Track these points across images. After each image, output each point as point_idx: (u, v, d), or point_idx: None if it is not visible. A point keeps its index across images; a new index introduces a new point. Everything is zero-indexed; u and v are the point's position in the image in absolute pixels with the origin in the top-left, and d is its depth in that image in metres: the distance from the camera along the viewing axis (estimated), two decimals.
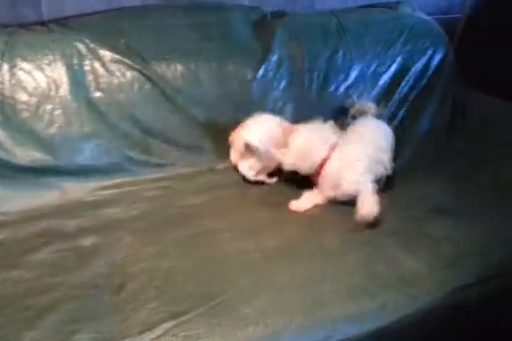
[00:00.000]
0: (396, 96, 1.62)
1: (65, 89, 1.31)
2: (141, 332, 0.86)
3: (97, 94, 1.35)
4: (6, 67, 1.26)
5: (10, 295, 0.95)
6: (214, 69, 1.45)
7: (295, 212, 1.26)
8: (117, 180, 1.36)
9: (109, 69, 1.37)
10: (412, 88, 1.63)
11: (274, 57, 1.50)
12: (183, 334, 0.87)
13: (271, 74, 1.50)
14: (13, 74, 1.26)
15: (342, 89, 1.56)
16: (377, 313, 0.96)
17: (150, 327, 0.87)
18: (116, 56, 1.37)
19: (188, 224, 1.18)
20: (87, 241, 1.13)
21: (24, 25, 1.38)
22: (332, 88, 1.55)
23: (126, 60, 1.38)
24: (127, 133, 1.39)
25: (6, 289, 0.97)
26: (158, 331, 0.87)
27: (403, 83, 1.63)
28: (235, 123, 1.40)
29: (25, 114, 1.27)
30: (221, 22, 1.53)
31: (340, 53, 1.56)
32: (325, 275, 1.01)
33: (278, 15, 1.60)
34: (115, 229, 1.17)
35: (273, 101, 1.51)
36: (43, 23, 1.41)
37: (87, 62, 1.35)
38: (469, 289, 1.06)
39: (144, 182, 1.35)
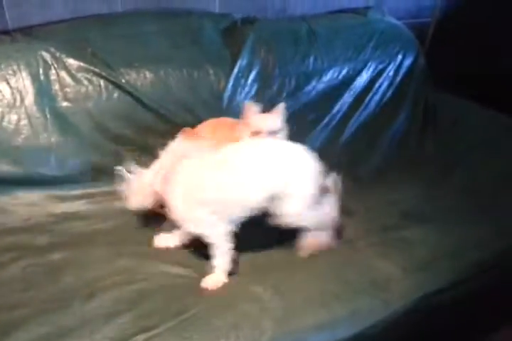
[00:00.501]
0: (368, 101, 1.66)
1: (30, 100, 1.31)
2: None
3: (64, 103, 1.35)
4: None
5: None
6: (184, 76, 1.47)
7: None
8: (88, 191, 1.35)
9: (75, 78, 1.37)
10: (384, 92, 1.68)
11: (244, 64, 1.53)
12: None
13: (241, 80, 1.52)
14: None
15: (313, 94, 1.59)
16: (350, 320, 0.98)
17: None
18: (83, 65, 1.38)
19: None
20: (57, 256, 1.12)
21: None
22: (303, 93, 1.58)
23: (93, 69, 1.38)
24: (97, 142, 1.39)
25: None
26: None
27: (375, 88, 1.67)
28: None
29: None
30: (190, 29, 1.55)
31: (311, 58, 1.60)
32: (295, 285, 1.03)
33: (248, 21, 1.63)
34: (86, 243, 1.17)
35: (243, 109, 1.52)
36: (7, 33, 1.41)
37: (52, 71, 1.35)
38: (443, 292, 1.09)
39: (115, 194, 1.35)
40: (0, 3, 1.40)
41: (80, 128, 1.36)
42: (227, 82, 1.50)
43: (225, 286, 1.03)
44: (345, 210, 1.29)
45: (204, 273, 1.06)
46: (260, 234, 1.13)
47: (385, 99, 1.68)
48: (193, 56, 1.50)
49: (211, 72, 1.50)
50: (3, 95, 1.28)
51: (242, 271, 1.08)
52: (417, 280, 1.08)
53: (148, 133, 1.43)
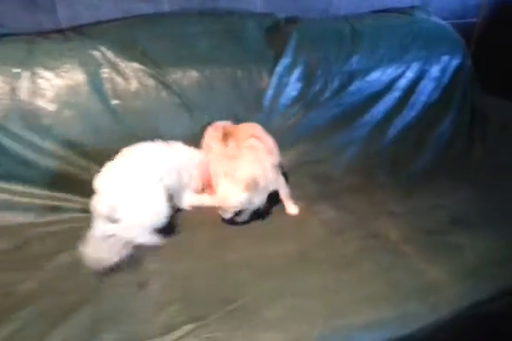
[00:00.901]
0: (413, 102, 1.65)
1: (83, 97, 1.38)
2: (162, 334, 0.91)
3: (115, 101, 1.41)
4: (26, 74, 1.33)
5: (39, 293, 1.02)
6: (227, 75, 1.52)
7: None
8: None
9: (125, 77, 1.43)
10: (429, 94, 1.68)
11: (287, 63, 1.56)
12: (204, 336, 0.91)
13: (284, 79, 1.56)
14: (33, 82, 1.33)
15: (357, 93, 1.61)
16: (398, 322, 0.99)
17: (171, 329, 0.92)
18: (133, 64, 1.44)
19: (201, 229, 1.24)
20: None
21: (42, 33, 1.45)
22: (347, 93, 1.60)
23: (143, 68, 1.45)
24: (143, 139, 1.44)
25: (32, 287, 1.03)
26: (179, 332, 0.92)
27: (420, 89, 1.67)
28: None
29: (47, 121, 1.33)
30: (234, 29, 1.60)
31: (355, 58, 1.61)
32: (343, 284, 1.04)
33: (291, 21, 1.66)
34: None
35: (285, 107, 1.57)
36: (60, 31, 1.49)
37: (104, 70, 1.41)
38: (492, 301, 1.07)
39: None
40: (52, 3, 1.49)
41: (128, 126, 1.42)
42: (269, 81, 1.53)
43: (270, 279, 1.05)
44: (389, 212, 1.31)
45: None
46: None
47: (430, 100, 1.67)
48: (237, 55, 1.55)
49: (254, 71, 1.54)
50: (58, 92, 1.35)
51: (290, 265, 1.10)
52: (465, 287, 1.07)
53: (194, 129, 1.47)
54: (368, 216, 1.30)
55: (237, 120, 1.47)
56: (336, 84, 1.58)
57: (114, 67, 1.42)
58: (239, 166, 1.23)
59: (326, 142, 1.57)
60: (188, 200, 1.35)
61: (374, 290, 1.03)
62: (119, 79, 1.42)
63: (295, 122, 1.55)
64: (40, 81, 1.34)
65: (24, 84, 1.32)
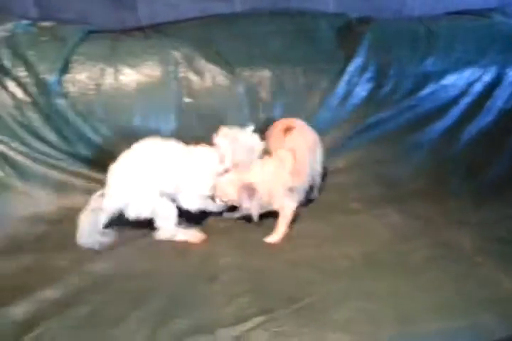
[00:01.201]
0: (489, 107, 1.60)
1: (161, 93, 1.45)
2: (234, 324, 0.95)
3: (188, 99, 1.48)
4: (110, 70, 1.42)
5: (116, 275, 1.10)
6: (299, 74, 1.54)
7: None
8: None
9: (200, 76, 1.49)
10: (507, 99, 1.62)
11: (359, 63, 1.56)
12: (273, 330, 0.94)
13: (355, 79, 1.56)
14: (116, 78, 1.42)
15: (431, 96, 1.58)
16: (470, 332, 0.98)
17: (242, 320, 0.96)
18: (207, 63, 1.50)
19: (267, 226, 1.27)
20: None
21: (124, 31, 1.55)
22: (420, 95, 1.58)
23: (217, 66, 1.50)
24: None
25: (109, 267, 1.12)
26: (250, 324, 0.95)
27: (496, 93, 1.61)
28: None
29: (125, 115, 1.42)
30: (306, 29, 1.62)
31: (430, 60, 1.58)
32: (412, 290, 1.04)
33: (364, 21, 1.66)
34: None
35: (354, 107, 1.57)
36: (140, 29, 1.57)
37: (181, 68, 1.48)
38: None
39: None
40: (134, 2, 1.58)
41: (200, 123, 1.48)
42: (340, 80, 1.54)
43: (336, 280, 1.07)
44: (459, 221, 1.28)
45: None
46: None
47: (507, 106, 1.61)
48: (308, 55, 1.57)
49: (325, 70, 1.56)
50: (138, 88, 1.43)
51: (356, 267, 1.11)
52: None
53: (263, 127, 1.50)
54: (437, 223, 1.29)
55: (306, 119, 1.49)
56: (408, 86, 1.56)
57: (190, 65, 1.48)
58: (252, 170, 1.25)
59: (393, 144, 1.57)
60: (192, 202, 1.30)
61: (445, 299, 1.01)
62: (193, 78, 1.48)
63: (363, 122, 1.56)
64: (122, 77, 1.43)
65: (108, 80, 1.41)
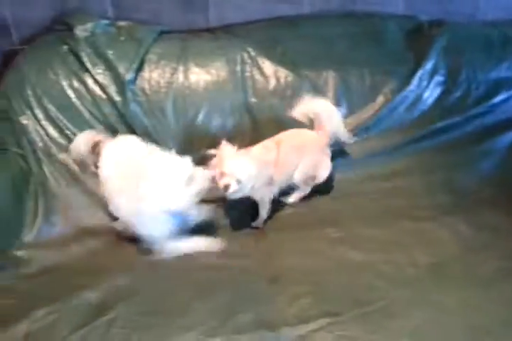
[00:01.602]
0: None
1: (227, 93, 1.49)
2: (298, 324, 0.96)
3: (253, 99, 1.51)
4: (181, 69, 1.48)
5: (182, 268, 1.14)
6: (365, 76, 1.54)
7: None
8: None
9: (265, 76, 1.52)
10: None
11: (429, 67, 1.54)
12: (337, 333, 0.94)
13: (424, 83, 1.53)
14: (186, 77, 1.47)
15: (502, 104, 1.53)
16: None
17: (306, 320, 0.96)
18: (273, 63, 1.53)
19: (330, 228, 1.27)
20: None
21: (193, 31, 1.60)
22: (491, 102, 1.53)
23: (281, 68, 1.52)
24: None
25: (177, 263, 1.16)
26: (314, 325, 0.95)
27: None
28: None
29: (191, 112, 1.47)
30: (373, 31, 1.61)
31: (504, 66, 1.54)
32: (484, 303, 1.00)
33: (436, 24, 1.62)
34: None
35: (422, 112, 1.54)
36: (208, 30, 1.62)
37: (247, 68, 1.52)
38: None
39: None
40: (206, 3, 1.63)
41: (262, 123, 1.50)
42: (408, 84, 1.52)
43: (403, 287, 1.05)
44: None
45: None
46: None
47: None
48: (375, 57, 1.57)
49: (393, 73, 1.54)
50: (206, 87, 1.48)
51: (423, 275, 1.09)
52: None
53: None
54: (506, 234, 1.23)
55: (370, 120, 1.49)
56: (480, 92, 1.52)
57: (256, 66, 1.52)
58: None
59: (460, 151, 1.52)
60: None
61: None
62: (259, 78, 1.51)
63: (430, 127, 1.53)
64: (191, 76, 1.48)
65: (179, 79, 1.47)
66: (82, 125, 1.42)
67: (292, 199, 1.39)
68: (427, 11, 1.69)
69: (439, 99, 1.53)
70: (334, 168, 1.41)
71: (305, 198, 1.40)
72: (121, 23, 1.51)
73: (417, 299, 1.02)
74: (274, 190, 1.31)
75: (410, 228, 1.27)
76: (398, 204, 1.37)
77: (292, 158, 1.32)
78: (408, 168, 1.49)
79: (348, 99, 1.52)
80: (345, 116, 1.49)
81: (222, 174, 1.16)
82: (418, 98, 1.53)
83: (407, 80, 1.53)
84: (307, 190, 1.39)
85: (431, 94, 1.53)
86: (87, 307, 1.01)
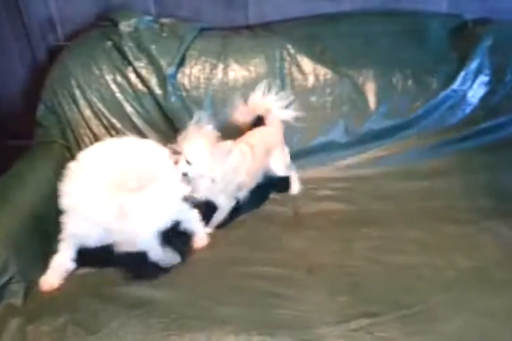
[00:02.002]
0: None
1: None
2: (336, 323, 0.95)
3: (292, 96, 1.47)
4: (221, 66, 1.49)
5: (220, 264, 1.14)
6: (407, 75, 1.51)
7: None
8: None
9: (303, 73, 1.51)
10: None
11: (474, 67, 1.50)
12: (377, 334, 0.92)
13: (468, 83, 1.50)
14: (225, 73, 1.49)
15: None
16: None
17: (345, 320, 0.95)
18: (312, 61, 1.52)
19: (369, 228, 1.25)
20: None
21: (233, 28, 1.61)
22: None
23: (321, 65, 1.52)
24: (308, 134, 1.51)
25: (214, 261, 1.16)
26: (353, 325, 0.94)
27: None
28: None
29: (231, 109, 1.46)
30: (416, 29, 1.58)
31: None
32: None
33: (481, 23, 1.58)
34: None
35: (464, 112, 1.51)
36: (247, 27, 1.63)
37: (286, 65, 1.51)
38: None
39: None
40: (245, 1, 1.63)
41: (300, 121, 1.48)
42: (451, 83, 1.49)
43: (445, 291, 1.03)
44: None
45: None
46: None
47: None
48: (418, 56, 1.53)
49: (435, 72, 1.51)
50: (244, 84, 1.49)
51: (465, 280, 1.06)
52: None
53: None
54: None
55: (411, 120, 1.47)
56: None
57: (295, 63, 1.51)
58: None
59: (504, 152, 1.47)
60: None
61: None
62: (298, 76, 1.51)
63: (473, 128, 1.49)
64: (230, 73, 1.49)
65: (218, 75, 1.48)
66: (123, 118, 1.45)
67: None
68: (471, 9, 1.64)
69: (483, 99, 1.50)
70: (375, 166, 1.40)
71: (345, 195, 1.39)
72: (164, 20, 1.53)
73: (458, 303, 0.99)
74: (243, 194, 1.30)
75: (450, 231, 1.23)
76: (438, 205, 1.33)
77: (262, 160, 1.33)
78: (449, 168, 1.46)
79: (389, 98, 1.50)
80: (386, 115, 1.48)
81: (175, 152, 1.15)
82: (462, 98, 1.50)
83: (450, 80, 1.49)
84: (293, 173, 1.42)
85: (475, 93, 1.50)
86: (125, 297, 1.03)
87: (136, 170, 1.03)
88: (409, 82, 1.50)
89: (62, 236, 1.10)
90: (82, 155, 1.09)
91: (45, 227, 1.18)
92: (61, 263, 1.10)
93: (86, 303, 1.01)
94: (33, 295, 1.05)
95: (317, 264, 1.13)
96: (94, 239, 1.06)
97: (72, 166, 1.07)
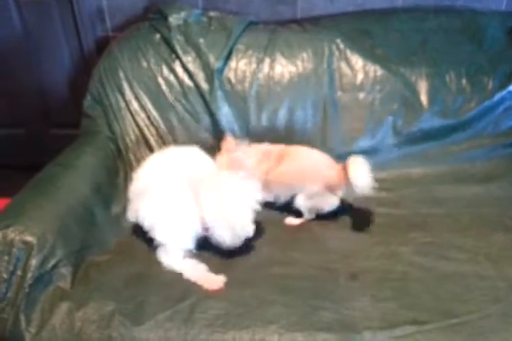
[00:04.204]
0: None
1: (311, 86, 1.48)
2: (381, 328, 0.94)
3: (339, 93, 1.49)
4: (267, 60, 1.49)
5: (257, 264, 1.15)
6: (461, 73, 1.47)
7: None
8: None
9: (353, 69, 1.49)
10: None
11: None
12: None
13: None
14: (272, 67, 1.48)
15: None
16: None
17: (390, 326, 0.94)
18: (362, 57, 1.49)
19: (417, 233, 1.23)
20: None
21: (280, 23, 1.60)
22: None
23: (370, 62, 1.49)
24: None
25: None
26: (398, 331, 0.93)
27: None
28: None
29: (275, 103, 1.49)
30: (472, 27, 1.52)
31: None
32: None
33: None
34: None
35: None
36: (295, 21, 1.61)
37: (334, 61, 1.49)
38: None
39: None
40: None
41: (346, 118, 1.48)
42: (508, 84, 1.44)
43: (495, 303, 1.00)
44: None
45: None
46: None
47: None
48: (473, 55, 1.49)
49: (492, 72, 1.46)
50: (291, 79, 1.48)
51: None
52: None
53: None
54: None
55: (464, 122, 1.43)
56: None
57: (344, 58, 1.49)
58: None
59: None
60: None
61: None
62: (347, 71, 1.49)
63: None
64: (277, 67, 1.48)
65: (264, 69, 1.48)
66: (168, 111, 1.47)
67: (293, 221, 1.32)
68: None
69: None
70: (424, 169, 1.37)
71: (392, 198, 1.37)
72: (212, 13, 1.54)
73: (508, 315, 0.96)
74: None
75: (501, 239, 1.20)
76: (489, 211, 1.30)
77: (291, 176, 1.30)
78: (502, 173, 1.42)
79: (442, 98, 1.46)
80: (438, 115, 1.44)
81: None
82: (506, 100, 1.44)
83: (506, 80, 1.44)
84: (311, 216, 1.32)
85: None
86: (170, 290, 1.05)
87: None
88: (464, 82, 1.46)
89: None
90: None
91: (90, 214, 1.22)
92: None
93: (132, 294, 1.03)
94: (78, 279, 1.09)
95: (361, 268, 1.12)
96: None
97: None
